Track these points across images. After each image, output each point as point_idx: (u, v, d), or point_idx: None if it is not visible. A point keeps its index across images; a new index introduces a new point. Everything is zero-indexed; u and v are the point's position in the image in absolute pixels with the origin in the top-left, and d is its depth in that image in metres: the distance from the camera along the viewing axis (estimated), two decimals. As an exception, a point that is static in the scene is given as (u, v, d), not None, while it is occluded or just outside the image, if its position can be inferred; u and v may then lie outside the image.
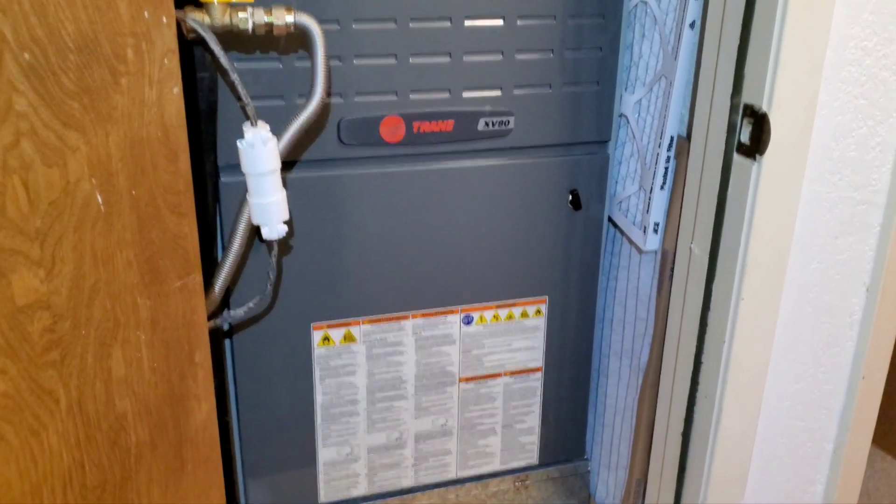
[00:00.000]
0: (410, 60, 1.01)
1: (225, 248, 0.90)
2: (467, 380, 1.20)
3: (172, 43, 0.65)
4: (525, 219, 1.14)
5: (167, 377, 0.71)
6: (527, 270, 1.17)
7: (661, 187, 1.07)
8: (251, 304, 0.92)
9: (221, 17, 0.83)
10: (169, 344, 0.70)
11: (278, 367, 1.10)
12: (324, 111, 1.00)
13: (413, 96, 1.03)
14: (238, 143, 0.83)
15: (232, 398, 1.11)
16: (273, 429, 1.13)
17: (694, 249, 1.03)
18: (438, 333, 1.16)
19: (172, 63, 0.65)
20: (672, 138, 1.04)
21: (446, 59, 1.03)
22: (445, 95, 1.04)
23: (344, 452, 1.17)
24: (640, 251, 1.14)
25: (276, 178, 0.84)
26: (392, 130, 1.03)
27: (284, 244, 1.05)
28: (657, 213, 1.08)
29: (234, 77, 0.80)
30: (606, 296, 1.25)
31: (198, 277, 0.73)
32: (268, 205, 0.84)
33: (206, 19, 0.82)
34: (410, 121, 1.04)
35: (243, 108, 0.81)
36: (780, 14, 0.83)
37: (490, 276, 1.15)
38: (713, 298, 1.01)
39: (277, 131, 0.85)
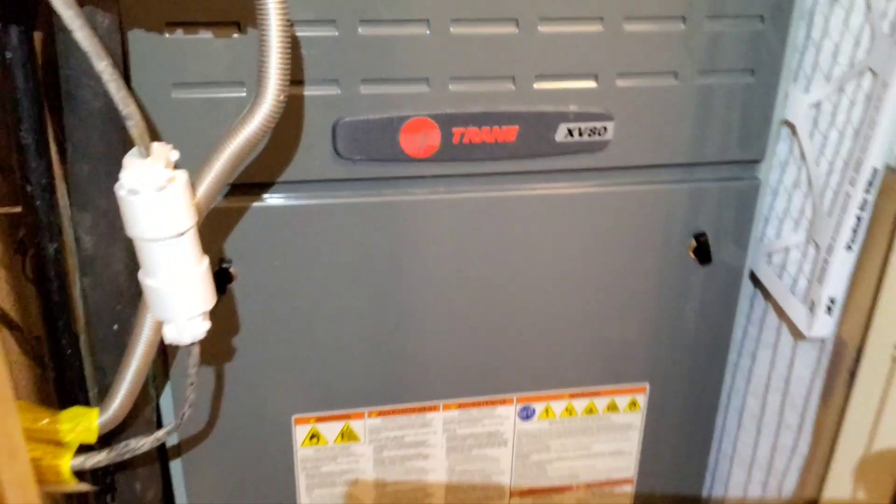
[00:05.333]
0: (452, 29, 0.63)
1: (127, 345, 0.55)
2: (523, 494, 0.83)
3: None
4: (621, 271, 0.75)
5: None
6: (620, 346, 0.78)
7: (848, 246, 0.66)
8: (160, 435, 0.57)
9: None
10: None
11: (247, 475, 0.76)
12: (294, 109, 0.63)
13: (454, 87, 0.65)
14: (115, 188, 0.46)
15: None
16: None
17: (903, 360, 0.63)
18: (482, 431, 0.79)
19: None
20: (875, 170, 0.63)
21: (511, 29, 0.64)
22: (507, 87, 0.66)
23: (342, 583, 0.83)
24: (798, 333, 0.74)
25: (186, 244, 0.48)
26: (419, 139, 0.66)
27: (251, 300, 0.69)
28: (836, 286, 0.68)
29: (102, 67, 0.43)
30: (736, 376, 0.86)
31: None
32: (168, 291, 0.48)
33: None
34: (449, 125, 0.66)
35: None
36: None
37: (563, 352, 0.77)
38: (932, 446, 0.62)
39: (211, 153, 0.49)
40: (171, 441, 0.73)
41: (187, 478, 0.75)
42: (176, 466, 0.74)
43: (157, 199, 0.45)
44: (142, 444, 0.56)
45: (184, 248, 0.47)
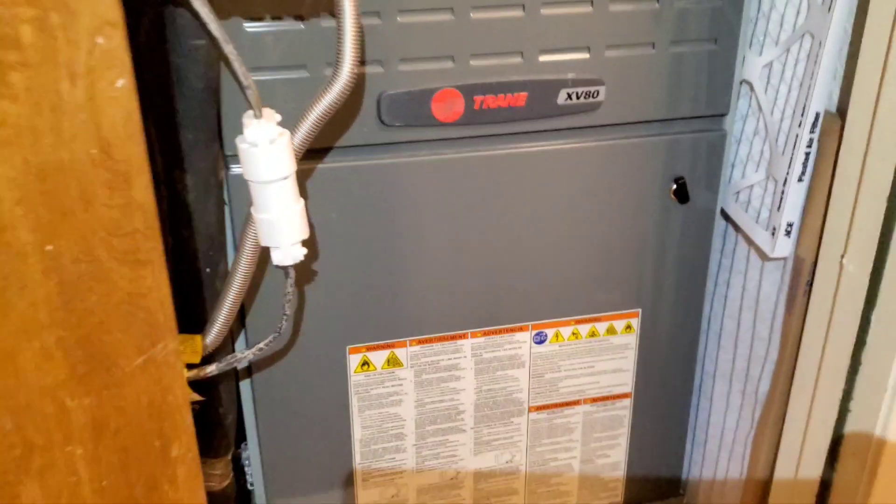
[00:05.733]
0: (471, 15, 0.77)
1: (225, 280, 0.68)
2: (538, 409, 0.98)
3: (111, 9, 0.42)
4: (615, 214, 0.90)
5: (127, 493, 0.50)
6: (616, 278, 0.93)
7: (800, 178, 0.82)
8: (262, 346, 0.71)
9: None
10: (127, 448, 0.49)
11: (308, 400, 0.90)
12: (357, 86, 0.77)
13: (474, 62, 0.79)
14: (237, 142, 0.60)
15: (254, 441, 0.91)
16: (304, 471, 0.93)
17: (846, 265, 0.78)
18: (503, 355, 0.93)
19: (114, 41, 0.43)
20: (818, 114, 0.78)
21: (518, 13, 0.78)
22: (516, 60, 0.80)
23: (388, 494, 0.97)
24: (763, 257, 0.90)
25: (289, 185, 0.62)
26: (447, 107, 0.80)
27: (313, 248, 0.83)
28: (792, 212, 0.83)
29: (229, 49, 0.57)
30: (713, 304, 1.01)
31: (170, 344, 0.51)
32: (277, 222, 0.62)
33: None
34: (470, 94, 0.80)
35: (243, 93, 0.59)
36: None
37: (569, 284, 0.92)
38: (872, 331, 0.77)
39: (297, 115, 0.63)
40: (243, 367, 0.86)
41: (256, 404, 0.88)
42: (246, 393, 0.88)
43: (270, 150, 0.59)
44: (245, 354, 0.70)
45: (288, 188, 0.61)
